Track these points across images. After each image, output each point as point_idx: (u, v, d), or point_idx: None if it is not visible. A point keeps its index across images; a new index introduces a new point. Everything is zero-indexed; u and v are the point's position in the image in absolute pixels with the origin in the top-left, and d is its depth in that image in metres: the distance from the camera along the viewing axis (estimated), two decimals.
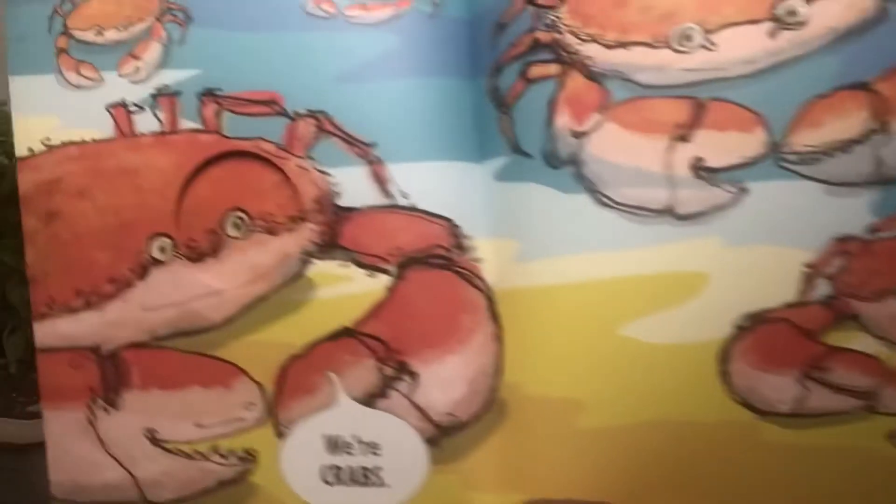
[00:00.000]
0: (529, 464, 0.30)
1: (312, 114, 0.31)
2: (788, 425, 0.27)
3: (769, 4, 0.26)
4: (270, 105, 0.31)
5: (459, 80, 0.31)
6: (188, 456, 0.32)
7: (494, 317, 0.30)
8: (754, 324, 0.27)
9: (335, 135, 0.31)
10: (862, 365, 0.26)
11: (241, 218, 0.32)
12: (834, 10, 0.26)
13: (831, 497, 0.27)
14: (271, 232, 0.32)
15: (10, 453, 0.40)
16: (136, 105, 0.33)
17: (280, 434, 0.32)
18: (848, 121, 0.26)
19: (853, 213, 0.26)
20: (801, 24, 0.26)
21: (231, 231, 0.32)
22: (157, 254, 0.32)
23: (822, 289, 0.26)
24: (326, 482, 0.31)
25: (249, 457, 0.32)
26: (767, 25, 0.26)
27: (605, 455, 0.29)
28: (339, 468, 0.31)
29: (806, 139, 0.26)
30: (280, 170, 0.32)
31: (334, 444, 0.31)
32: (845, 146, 0.26)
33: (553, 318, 0.29)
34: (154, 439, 0.33)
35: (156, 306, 0.33)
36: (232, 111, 0.32)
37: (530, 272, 0.30)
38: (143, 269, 0.33)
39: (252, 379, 0.32)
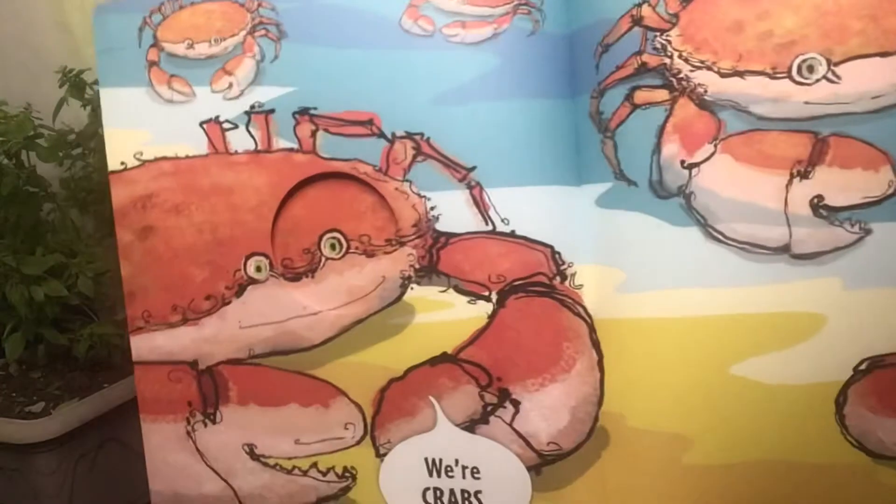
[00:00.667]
0: (632, 495, 0.30)
1: (410, 135, 0.31)
2: None
3: None
4: (367, 126, 0.31)
5: (559, 101, 0.30)
6: (287, 471, 0.34)
7: (595, 344, 0.30)
8: (873, 368, 0.26)
9: (434, 157, 0.31)
10: None
11: (337, 239, 0.32)
12: None
13: None
14: (368, 254, 0.32)
15: (10, 453, 0.41)
16: (229, 122, 0.33)
17: (380, 454, 0.32)
18: None
19: None
20: None
21: (328, 252, 0.32)
22: (253, 273, 0.33)
23: None
24: (427, 502, 0.32)
25: (349, 475, 0.33)
26: None
27: (711, 492, 0.29)
28: (439, 490, 0.32)
29: None
30: (377, 192, 0.32)
31: (435, 467, 0.32)
32: None
33: (657, 351, 0.29)
34: (253, 454, 0.34)
35: (253, 324, 0.33)
36: (328, 131, 0.32)
37: (635, 303, 0.29)
38: (240, 287, 0.33)
39: (351, 400, 0.32)
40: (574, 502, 0.30)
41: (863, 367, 0.26)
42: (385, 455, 0.32)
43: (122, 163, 0.34)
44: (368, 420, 0.32)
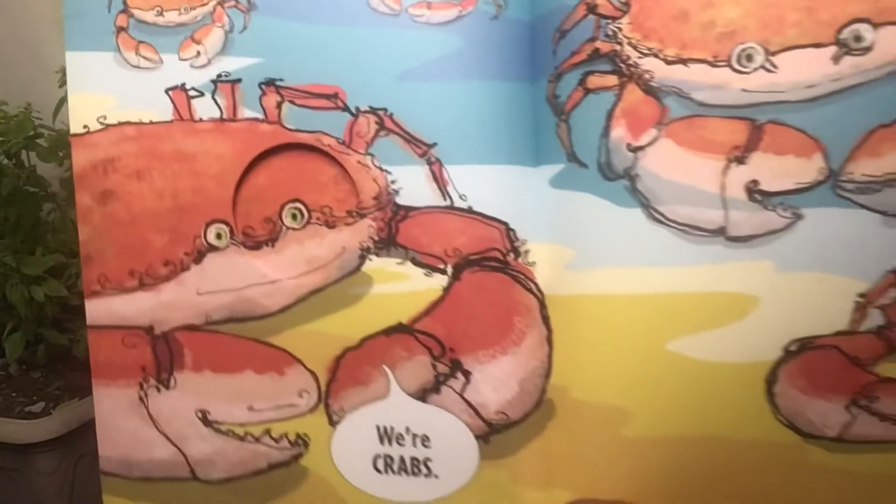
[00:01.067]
0: (575, 465, 0.32)
1: (374, 111, 0.32)
2: (835, 450, 0.29)
3: (834, 28, 0.27)
4: (332, 99, 0.32)
5: (520, 84, 0.32)
6: (240, 438, 0.35)
7: (545, 319, 0.32)
8: (803, 349, 0.28)
9: (396, 133, 0.32)
10: None
11: (299, 209, 0.33)
12: None
13: None
14: (329, 225, 0.33)
15: (10, 453, 0.41)
16: (195, 90, 0.34)
17: (332, 422, 0.34)
18: None
19: None
20: (866, 49, 0.26)
21: (289, 221, 0.33)
22: (213, 240, 0.34)
23: (876, 319, 0.28)
24: (377, 470, 0.33)
25: (301, 442, 0.34)
26: (831, 50, 0.27)
27: (648, 463, 0.30)
28: (389, 457, 0.33)
29: (865, 168, 0.27)
30: (340, 164, 0.33)
31: (386, 435, 0.33)
32: None
33: (602, 327, 0.31)
34: (206, 420, 0.35)
35: (211, 291, 0.34)
36: (293, 103, 0.33)
37: (582, 280, 0.31)
38: (199, 253, 0.34)
39: (306, 368, 0.33)
40: (519, 470, 0.32)
41: (793, 347, 0.28)
42: (338, 423, 0.33)
43: (85, 126, 0.35)
44: (323, 388, 0.33)
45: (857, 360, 0.28)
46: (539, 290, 0.32)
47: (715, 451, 0.29)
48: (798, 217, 0.28)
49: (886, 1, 0.26)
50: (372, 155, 0.32)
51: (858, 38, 0.26)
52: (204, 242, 0.34)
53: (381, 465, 0.33)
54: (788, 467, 0.29)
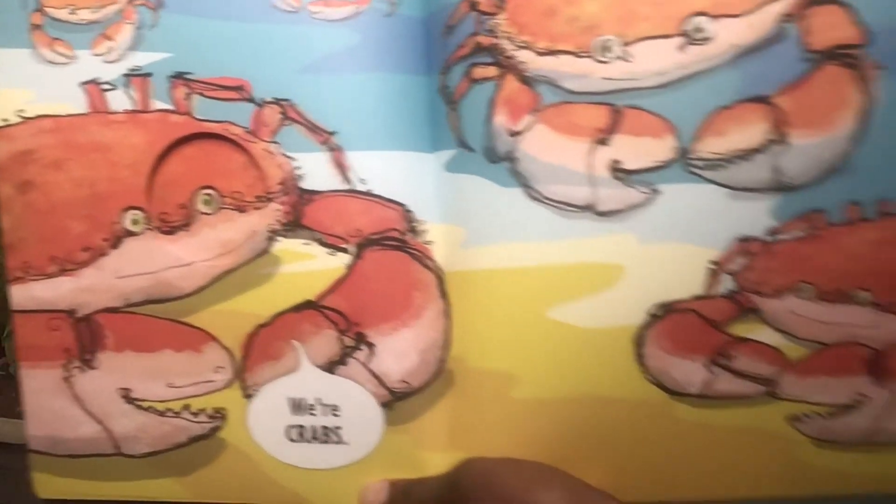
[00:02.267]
0: (471, 427, 0.35)
1: (277, 101, 0.35)
2: (698, 405, 0.32)
3: (679, 21, 0.30)
4: (238, 91, 0.36)
5: (414, 76, 0.35)
6: (161, 413, 0.38)
7: (444, 295, 0.36)
8: (665, 313, 0.32)
9: (298, 122, 0.35)
10: (763, 354, 0.32)
11: (211, 195, 0.36)
12: (737, 28, 0.30)
13: (734, 472, 0.33)
14: (240, 209, 0.36)
15: (9, 453, 0.43)
16: (108, 83, 0.37)
17: (247, 395, 0.37)
18: (749, 131, 0.30)
19: (755, 216, 0.31)
20: (707, 39, 0.30)
21: (202, 207, 0.37)
22: (129, 225, 0.37)
23: (727, 284, 0.31)
24: (290, 439, 0.37)
25: (219, 415, 0.37)
26: (677, 40, 0.30)
27: (535, 423, 0.34)
28: (302, 427, 0.36)
29: (711, 146, 0.31)
30: (248, 152, 0.36)
31: (298, 406, 0.36)
32: (746, 155, 0.30)
33: (492, 299, 0.34)
34: (128, 397, 0.38)
35: (128, 274, 0.37)
36: (201, 95, 0.36)
37: (474, 257, 0.35)
38: (117, 239, 0.37)
39: (221, 345, 0.37)
40: (421, 434, 0.36)
41: (657, 312, 0.32)
42: (253, 396, 0.37)
43: (5, 119, 0.37)
44: (237, 364, 0.37)
45: (713, 321, 0.31)
46: (437, 266, 0.35)
47: (592, 409, 0.33)
48: (655, 193, 0.31)
49: None
50: (277, 143, 0.35)
51: (699, 30, 0.30)
52: (121, 228, 0.37)
53: (294, 434, 0.37)
54: (657, 423, 0.32)
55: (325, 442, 0.36)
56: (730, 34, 0.30)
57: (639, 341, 0.32)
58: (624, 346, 0.32)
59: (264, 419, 0.37)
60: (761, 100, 0.30)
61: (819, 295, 0.31)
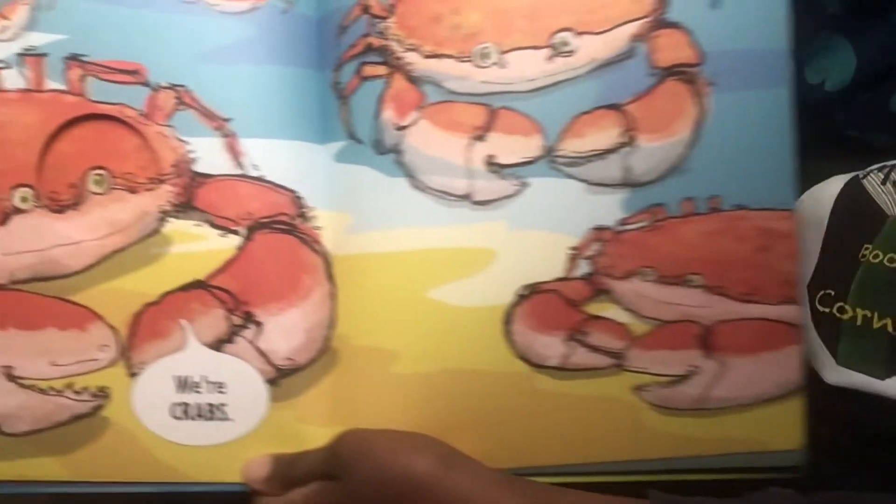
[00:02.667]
0: (354, 402, 0.38)
1: (173, 86, 0.37)
2: (557, 377, 0.36)
3: (548, 35, 0.35)
4: (133, 75, 0.37)
5: (308, 71, 0.38)
6: (43, 392, 0.38)
7: (330, 278, 0.38)
8: (531, 293, 0.36)
9: (193, 107, 0.37)
10: (613, 330, 0.36)
11: (102, 175, 0.38)
12: (596, 44, 0.35)
13: (588, 438, 0.37)
14: (131, 190, 0.38)
15: None
16: (2, 61, 0.37)
17: (132, 374, 0.38)
18: (604, 134, 0.35)
19: (608, 208, 0.35)
20: (571, 52, 0.35)
21: (92, 187, 0.38)
22: (19, 202, 0.38)
23: (584, 268, 0.36)
24: (175, 417, 0.38)
25: (102, 394, 0.38)
26: (546, 51, 0.35)
27: (413, 396, 0.37)
28: (187, 405, 0.38)
29: (572, 146, 0.35)
30: (141, 134, 0.38)
31: (183, 384, 0.38)
32: (602, 154, 0.35)
33: (376, 281, 0.37)
34: (10, 375, 0.38)
35: (16, 251, 0.38)
36: (96, 77, 0.37)
37: (360, 241, 0.38)
38: (5, 215, 0.38)
39: (107, 323, 0.38)
40: (305, 409, 0.38)
41: (524, 292, 0.36)
42: (137, 374, 0.38)
43: None
44: (123, 342, 0.38)
45: (572, 301, 0.36)
46: (324, 250, 0.38)
47: (464, 382, 0.37)
48: (525, 185, 0.36)
49: (583, 16, 0.34)
50: (171, 126, 0.37)
51: (565, 44, 0.34)
52: (9, 205, 0.37)
53: (179, 412, 0.38)
54: (522, 393, 0.36)
55: (211, 419, 0.38)
56: (590, 49, 0.34)
57: (507, 319, 0.36)
58: (494, 324, 0.36)
59: (149, 397, 0.38)
60: (615, 107, 0.35)
61: (660, 278, 0.35)
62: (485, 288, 0.36)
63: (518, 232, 0.35)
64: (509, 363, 0.36)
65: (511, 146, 0.35)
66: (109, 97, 0.37)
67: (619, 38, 0.34)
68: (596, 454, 0.36)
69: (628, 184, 0.35)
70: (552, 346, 0.36)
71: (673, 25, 0.34)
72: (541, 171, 0.35)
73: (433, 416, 0.37)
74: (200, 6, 0.37)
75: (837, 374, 0.37)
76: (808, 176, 0.39)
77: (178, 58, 0.37)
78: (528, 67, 0.35)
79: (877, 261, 0.36)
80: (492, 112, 0.35)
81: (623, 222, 0.35)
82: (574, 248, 0.35)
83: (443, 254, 0.36)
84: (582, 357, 0.36)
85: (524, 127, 0.35)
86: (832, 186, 0.39)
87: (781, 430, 0.35)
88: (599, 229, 0.35)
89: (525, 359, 0.36)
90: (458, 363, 0.36)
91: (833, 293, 0.38)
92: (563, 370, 0.36)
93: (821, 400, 0.36)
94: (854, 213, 0.38)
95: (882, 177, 0.37)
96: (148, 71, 0.37)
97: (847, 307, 0.37)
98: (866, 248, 0.37)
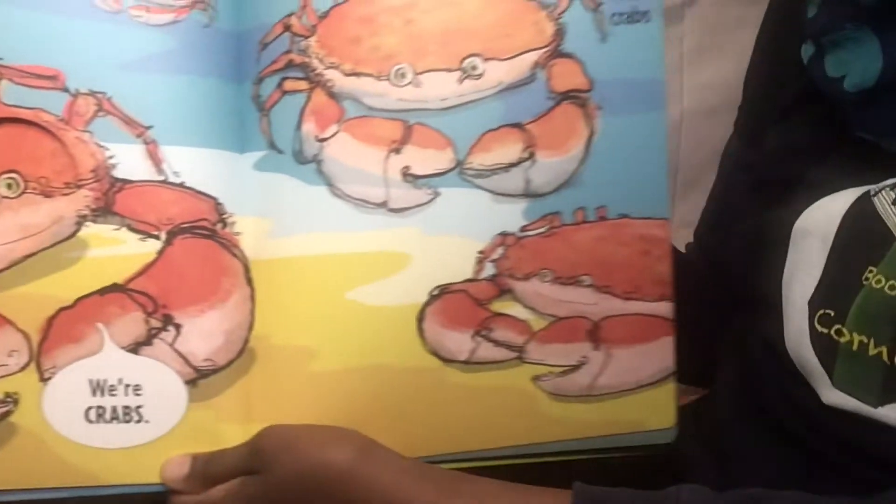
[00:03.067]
0: (272, 400, 0.40)
1: (93, 93, 0.38)
2: (465, 370, 0.40)
3: (459, 59, 0.39)
4: (52, 80, 0.38)
5: (227, 82, 0.40)
6: None
7: (249, 281, 0.40)
8: (442, 293, 0.40)
9: (114, 114, 0.38)
10: (515, 327, 0.41)
11: (14, 179, 0.38)
12: (502, 69, 0.39)
13: (493, 425, 0.41)
14: (46, 195, 0.38)
15: None
16: None
17: (45, 379, 0.38)
18: (508, 150, 0.39)
19: (511, 216, 0.40)
20: (479, 76, 0.39)
21: (4, 191, 0.38)
22: None
23: (489, 270, 0.40)
24: (89, 421, 0.38)
25: (10, 399, 0.38)
26: (457, 74, 0.39)
27: (331, 392, 0.40)
28: (102, 408, 0.38)
29: (480, 160, 0.39)
30: (58, 139, 0.38)
31: (99, 387, 0.38)
32: (506, 168, 0.40)
33: (296, 283, 0.40)
34: None
35: None
36: (12, 81, 0.37)
37: (280, 246, 0.40)
38: None
39: (17, 328, 0.38)
40: (223, 408, 0.39)
41: (435, 292, 0.40)
42: (49, 379, 0.38)
43: None
44: (35, 347, 0.38)
45: (479, 300, 0.40)
46: (244, 255, 0.40)
47: (381, 378, 0.39)
48: (437, 194, 0.39)
49: (491, 44, 0.39)
50: (90, 132, 0.38)
51: (474, 67, 0.39)
52: None
53: (93, 415, 0.38)
54: (433, 386, 0.40)
55: (127, 421, 0.39)
56: (496, 73, 0.39)
57: (420, 317, 0.39)
58: (408, 322, 0.39)
59: (62, 402, 0.38)
60: (518, 126, 0.39)
61: (555, 279, 0.40)
62: (400, 289, 0.39)
63: (431, 237, 0.39)
64: (421, 358, 0.39)
65: (425, 159, 0.39)
66: (26, 101, 0.37)
67: (521, 65, 0.39)
68: (500, 440, 0.40)
69: (529, 194, 0.39)
70: (461, 342, 0.40)
71: (568, 56, 0.39)
72: (452, 182, 0.39)
73: (350, 410, 0.39)
74: (123, 17, 0.38)
75: (833, 396, 0.36)
76: (815, 181, 0.38)
77: (100, 66, 0.38)
78: (441, 88, 0.38)
79: (879, 286, 0.35)
80: (407, 127, 0.39)
81: (524, 229, 0.39)
82: (481, 252, 0.39)
83: (360, 257, 0.39)
84: (487, 351, 0.40)
85: (437, 141, 0.39)
86: (841, 201, 0.37)
87: (657, 412, 0.41)
88: (504, 235, 0.39)
89: (436, 354, 0.39)
90: (374, 359, 0.39)
91: (832, 314, 0.37)
92: (470, 364, 0.40)
93: (818, 418, 0.37)
94: (861, 232, 0.36)
95: (894, 196, 0.35)
96: (67, 77, 0.37)
97: (845, 330, 0.36)
98: (870, 272, 0.35)
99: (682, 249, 0.53)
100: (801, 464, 0.39)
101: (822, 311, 0.37)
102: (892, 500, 0.33)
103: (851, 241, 0.37)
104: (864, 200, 0.37)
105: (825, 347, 0.37)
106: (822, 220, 0.38)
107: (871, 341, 0.35)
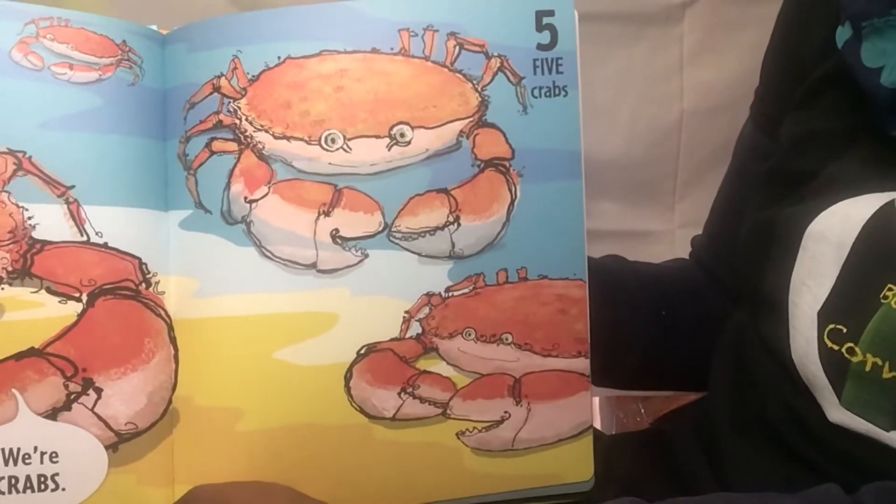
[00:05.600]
0: (195, 461, 0.41)
1: (12, 152, 0.38)
2: (391, 426, 0.42)
3: (388, 126, 0.41)
4: None
5: (153, 141, 0.41)
6: None
7: (173, 340, 0.41)
8: (369, 352, 0.42)
9: (34, 174, 0.39)
10: (439, 383, 0.43)
11: None
12: (429, 137, 0.42)
13: (418, 480, 0.43)
14: None
15: None
16: None
17: None
18: (434, 214, 0.42)
19: (437, 277, 0.42)
20: (407, 143, 0.41)
21: None
22: None
23: (415, 329, 0.42)
24: (1, 492, 0.38)
25: None
26: (386, 140, 0.41)
27: (259, 451, 0.41)
28: (15, 478, 0.38)
29: (407, 223, 0.41)
30: None
31: (12, 456, 0.38)
32: (432, 231, 0.42)
33: (222, 343, 0.41)
34: None
35: None
36: None
37: (205, 306, 0.41)
38: None
39: None
40: (145, 472, 0.40)
41: (362, 351, 0.42)
42: None
43: None
44: None
45: (405, 358, 0.42)
46: (167, 315, 0.41)
47: (309, 435, 0.41)
48: (366, 256, 0.41)
49: (418, 113, 0.41)
50: (8, 192, 0.38)
51: (403, 135, 0.41)
52: None
53: (4, 486, 0.38)
54: (360, 443, 0.41)
55: (42, 490, 0.38)
56: (424, 141, 0.41)
57: (348, 375, 0.41)
58: (336, 381, 0.41)
59: None
60: (443, 191, 0.42)
61: (478, 337, 0.43)
62: (327, 348, 0.41)
63: (360, 297, 0.41)
64: (349, 416, 0.41)
65: (354, 222, 0.41)
66: None
67: (447, 133, 0.41)
68: (426, 495, 0.42)
69: (454, 256, 0.42)
70: (387, 399, 0.42)
71: (491, 126, 0.42)
72: (380, 244, 0.41)
73: (277, 468, 0.41)
74: (46, 74, 0.38)
75: (840, 414, 0.35)
76: (834, 176, 0.37)
77: (20, 124, 0.38)
78: (370, 153, 0.41)
79: None
80: (337, 191, 0.41)
81: (449, 289, 0.42)
82: (407, 312, 0.42)
83: (288, 318, 0.40)
84: (413, 408, 0.42)
85: (366, 205, 0.41)
86: (862, 207, 0.35)
87: (575, 465, 0.44)
88: (429, 295, 0.42)
89: (363, 411, 0.41)
90: (301, 418, 0.41)
91: (845, 330, 0.35)
92: (396, 420, 0.42)
93: (823, 435, 0.36)
94: (883, 245, 0.34)
95: None
96: None
97: (858, 350, 0.34)
98: (889, 290, 0.33)
99: (682, 250, 0.54)
100: (795, 471, 0.39)
101: (832, 326, 0.35)
102: (825, 494, 0.33)
103: (870, 253, 0.34)
104: (888, 210, 0.34)
105: (835, 364, 0.35)
106: (838, 226, 0.36)
107: (887, 364, 0.33)
